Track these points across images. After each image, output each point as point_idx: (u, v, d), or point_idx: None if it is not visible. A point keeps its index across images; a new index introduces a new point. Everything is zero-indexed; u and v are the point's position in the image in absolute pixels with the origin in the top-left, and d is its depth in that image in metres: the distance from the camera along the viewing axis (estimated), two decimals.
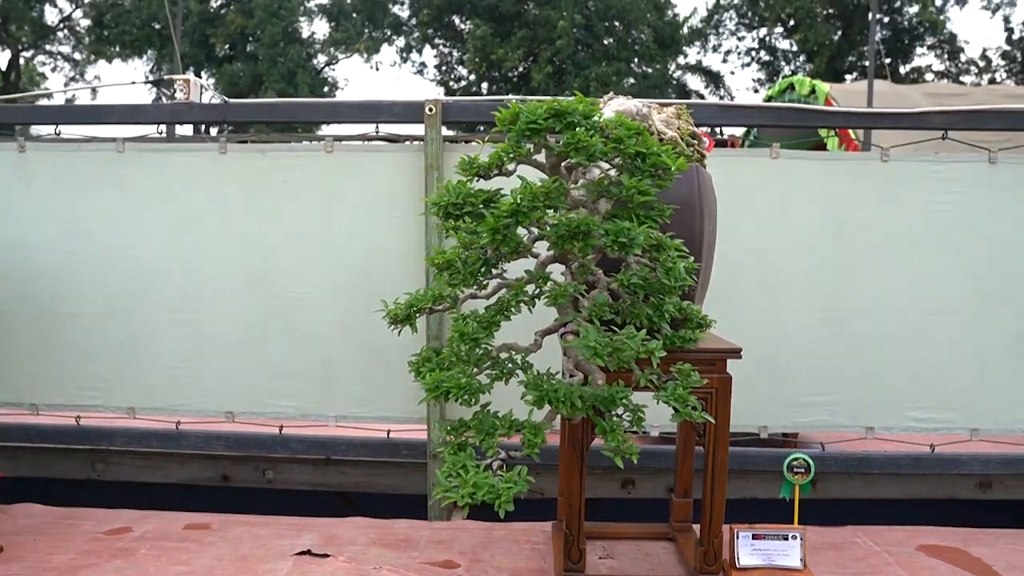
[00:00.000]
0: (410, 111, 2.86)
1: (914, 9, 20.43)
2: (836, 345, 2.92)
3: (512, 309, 1.72)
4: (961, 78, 20.33)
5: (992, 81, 20.41)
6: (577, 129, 1.51)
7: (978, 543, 2.47)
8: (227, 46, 23.13)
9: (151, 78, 24.41)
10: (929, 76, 20.56)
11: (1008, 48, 21.42)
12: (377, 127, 2.92)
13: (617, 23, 21.45)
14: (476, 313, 1.76)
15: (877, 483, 3.04)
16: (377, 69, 24.81)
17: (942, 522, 2.71)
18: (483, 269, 1.75)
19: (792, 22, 22.32)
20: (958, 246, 2.91)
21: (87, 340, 3.01)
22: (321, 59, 22.79)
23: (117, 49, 22.59)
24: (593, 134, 1.50)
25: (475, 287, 1.82)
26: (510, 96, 3.03)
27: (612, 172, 1.79)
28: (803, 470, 2.25)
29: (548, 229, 1.55)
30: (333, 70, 23.72)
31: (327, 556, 2.32)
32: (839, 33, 21.56)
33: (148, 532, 2.50)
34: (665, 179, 1.60)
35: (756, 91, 24.42)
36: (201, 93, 2.92)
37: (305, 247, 2.92)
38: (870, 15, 10.66)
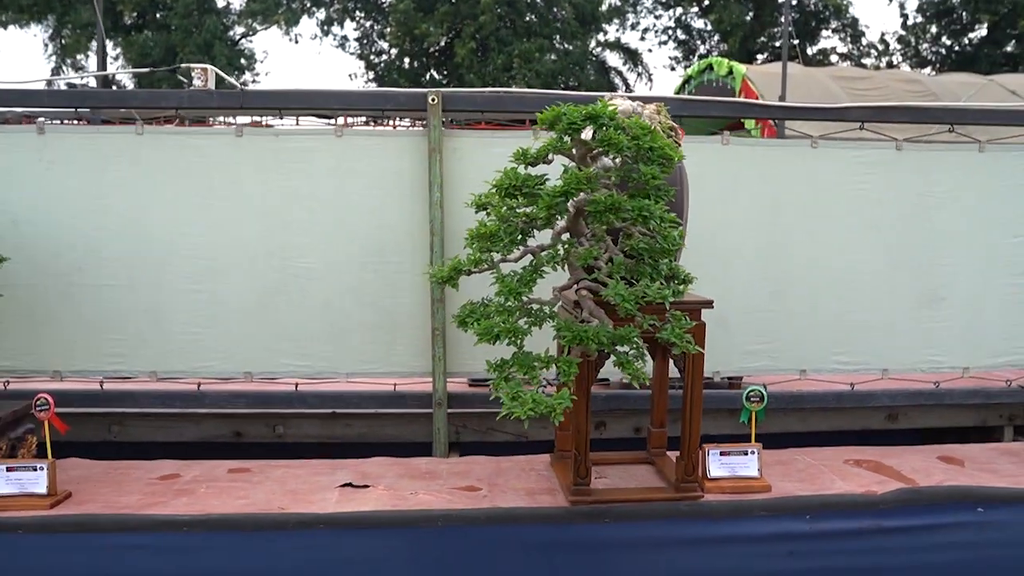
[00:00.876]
0: (414, 100, 3.21)
1: None
2: (775, 303, 3.48)
3: (545, 269, 2.15)
4: (863, 60, 21.73)
5: (890, 64, 21.90)
6: (607, 129, 1.93)
7: (889, 456, 3.08)
8: (135, 14, 22.26)
9: (51, 46, 23.25)
10: (834, 58, 21.88)
11: (903, 33, 22.98)
12: (383, 113, 3.25)
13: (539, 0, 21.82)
14: (514, 272, 2.17)
15: (809, 418, 3.63)
16: (296, 42, 24.29)
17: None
18: (519, 237, 2.16)
19: (707, 2, 23.24)
20: (873, 220, 3.49)
21: (110, 309, 3.24)
22: (238, 30, 22.23)
23: (11, 14, 21.33)
24: (620, 133, 1.93)
25: (505, 253, 2.24)
26: (510, 89, 3.40)
27: (616, 160, 2.23)
28: (758, 399, 2.78)
29: (588, 204, 1.97)
30: (251, 42, 23.19)
31: (367, 487, 2.70)
32: (751, 15, 22.59)
33: (198, 476, 2.81)
34: (669, 167, 2.05)
35: (673, 68, 25.34)
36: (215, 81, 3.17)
37: (316, 222, 3.24)
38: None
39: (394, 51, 23.41)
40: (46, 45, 22.65)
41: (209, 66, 3.10)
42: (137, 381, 3.30)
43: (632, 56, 25.66)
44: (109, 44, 22.61)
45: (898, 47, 23.46)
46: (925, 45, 23.27)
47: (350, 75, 24.23)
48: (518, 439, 3.58)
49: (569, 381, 2.04)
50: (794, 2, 23.13)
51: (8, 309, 3.19)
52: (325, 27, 22.10)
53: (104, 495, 2.62)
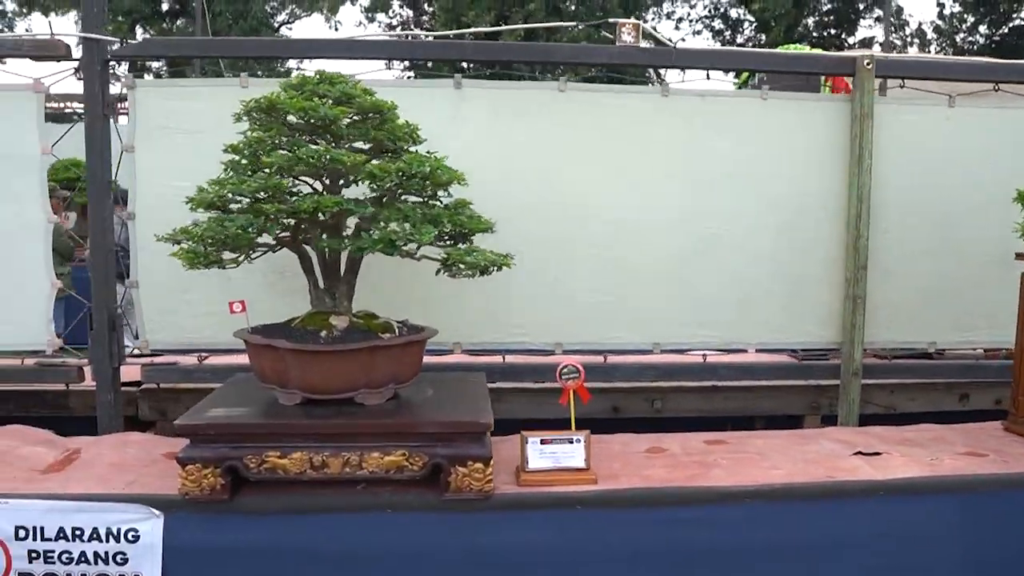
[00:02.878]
0: (842, 64, 3.12)
1: None
2: None
3: None
4: (906, 50, 21.83)
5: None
6: None
7: None
8: (174, 2, 21.93)
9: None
10: (875, 48, 21.93)
11: (940, 23, 23.13)
12: (848, 79, 3.14)
13: None
14: None
15: None
16: (336, 29, 23.95)
17: None
18: None
19: None
20: None
21: (514, 277, 3.07)
22: (280, 18, 21.94)
23: (51, 1, 20.92)
24: None
25: None
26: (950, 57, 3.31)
27: None
28: None
29: None
30: (290, 29, 22.88)
31: (879, 454, 2.61)
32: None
33: (688, 449, 2.70)
34: None
35: None
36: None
37: (734, 187, 3.12)
38: None
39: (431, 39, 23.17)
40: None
41: (639, 22, 2.99)
42: (538, 354, 3.18)
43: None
44: (139, 31, 22.23)
45: (934, 36, 23.57)
46: (961, 35, 23.39)
47: (387, 65, 23.83)
48: (888, 411, 3.50)
49: None
50: None
51: None
52: (369, 15, 21.82)
53: (618, 470, 2.50)
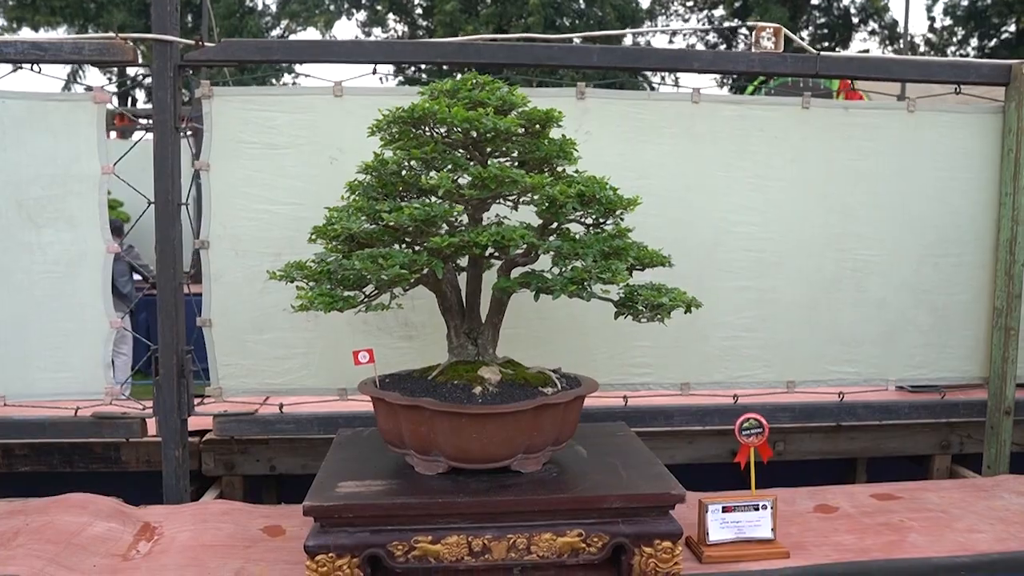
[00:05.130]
0: (996, 72, 2.81)
1: None
2: None
3: None
4: None
5: None
6: None
7: None
8: None
9: None
10: None
11: (931, 36, 23.28)
12: (958, 87, 2.84)
13: (582, 1, 21.62)
14: None
15: None
16: None
17: None
18: None
19: (737, 4, 23.22)
20: None
21: None
22: (274, 33, 21.52)
23: (43, 16, 20.37)
24: None
25: None
26: None
27: None
28: None
29: None
30: None
31: None
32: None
33: (861, 505, 2.36)
34: None
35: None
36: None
37: (878, 208, 2.83)
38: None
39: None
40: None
41: (781, 27, 2.68)
42: (666, 394, 2.84)
43: None
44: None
45: (926, 50, 23.72)
46: (952, 48, 23.56)
47: (381, 78, 23.46)
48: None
49: None
50: (825, 4, 23.32)
51: None
52: (366, 29, 21.44)
53: (799, 536, 2.15)
